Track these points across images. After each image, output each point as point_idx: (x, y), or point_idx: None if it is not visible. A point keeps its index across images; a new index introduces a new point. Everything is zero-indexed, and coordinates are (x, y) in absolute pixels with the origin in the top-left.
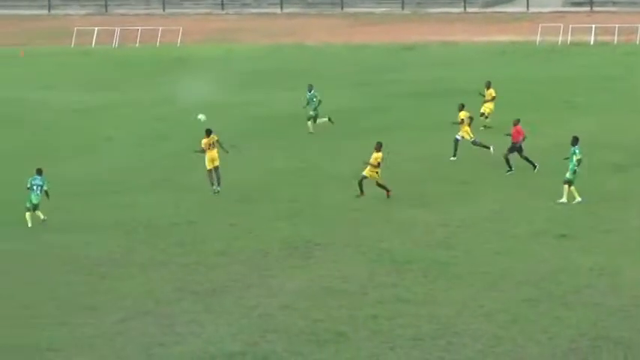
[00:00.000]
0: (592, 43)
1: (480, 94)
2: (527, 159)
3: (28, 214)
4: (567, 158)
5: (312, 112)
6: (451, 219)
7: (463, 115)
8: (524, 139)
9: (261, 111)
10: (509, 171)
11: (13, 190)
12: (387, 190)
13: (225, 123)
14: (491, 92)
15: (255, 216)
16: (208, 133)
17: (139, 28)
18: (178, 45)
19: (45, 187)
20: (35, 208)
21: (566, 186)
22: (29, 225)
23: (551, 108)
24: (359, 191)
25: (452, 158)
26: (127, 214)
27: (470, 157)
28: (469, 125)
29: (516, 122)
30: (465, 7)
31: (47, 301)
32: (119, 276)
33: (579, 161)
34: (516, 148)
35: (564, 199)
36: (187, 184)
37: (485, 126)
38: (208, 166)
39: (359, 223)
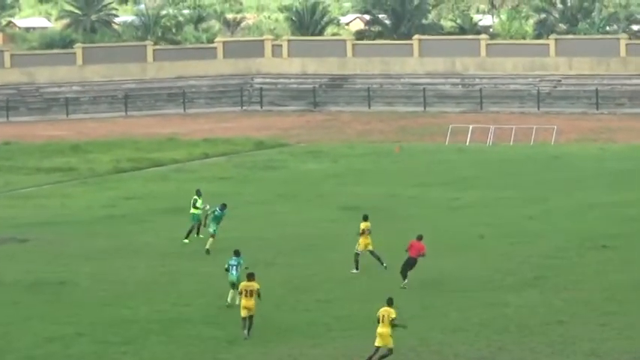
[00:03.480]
0: None
1: None
2: None
3: (230, 293)
4: None
5: None
6: None
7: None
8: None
9: (634, 212)
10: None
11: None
12: None
13: (596, 223)
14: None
15: (624, 316)
16: None
17: (513, 126)
18: (552, 143)
19: (243, 266)
20: (234, 286)
21: None
22: (228, 301)
23: None
24: None
25: None
26: (497, 312)
27: None
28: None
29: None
30: None
31: None
32: None
33: None
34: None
35: None
36: (559, 283)
37: None
38: None
39: None
